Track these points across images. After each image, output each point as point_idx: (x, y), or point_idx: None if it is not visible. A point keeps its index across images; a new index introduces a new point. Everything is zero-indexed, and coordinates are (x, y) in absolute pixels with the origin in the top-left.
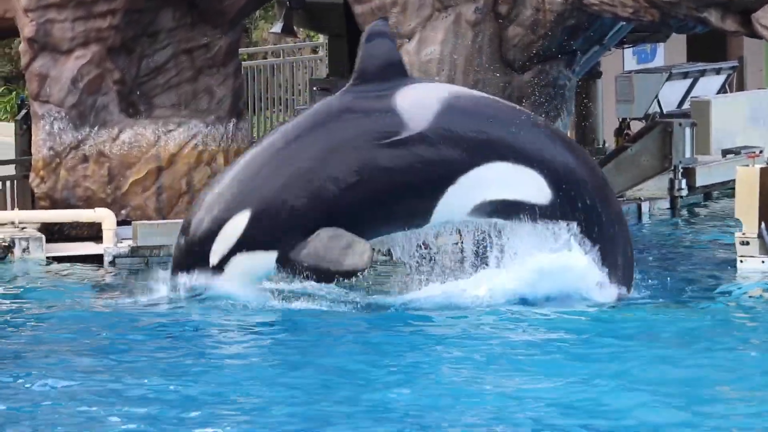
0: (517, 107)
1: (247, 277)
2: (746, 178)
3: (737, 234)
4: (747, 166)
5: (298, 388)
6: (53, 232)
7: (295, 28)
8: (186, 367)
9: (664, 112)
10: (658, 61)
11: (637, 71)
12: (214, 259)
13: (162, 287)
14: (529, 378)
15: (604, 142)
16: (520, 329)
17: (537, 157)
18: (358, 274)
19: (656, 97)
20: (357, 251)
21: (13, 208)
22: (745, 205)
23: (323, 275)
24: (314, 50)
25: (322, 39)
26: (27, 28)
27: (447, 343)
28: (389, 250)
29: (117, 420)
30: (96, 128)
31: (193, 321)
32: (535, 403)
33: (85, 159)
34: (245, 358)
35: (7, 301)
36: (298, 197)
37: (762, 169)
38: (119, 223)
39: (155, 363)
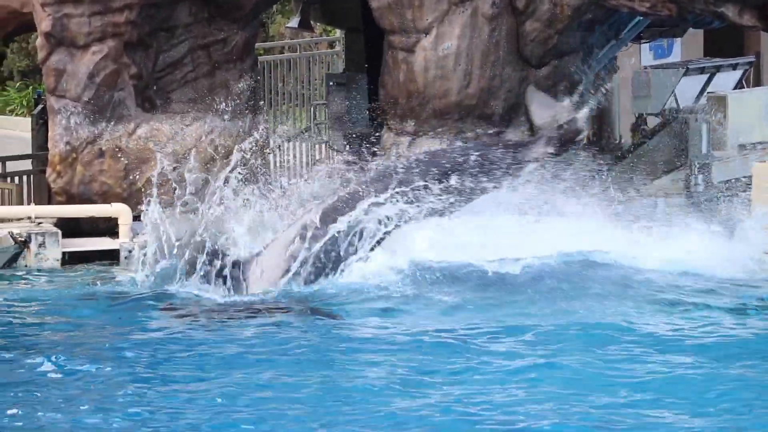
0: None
1: None
2: (763, 174)
3: None
4: (764, 161)
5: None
6: (69, 225)
7: (311, 22)
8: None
9: (681, 107)
10: (675, 56)
11: (654, 66)
12: None
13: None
14: (529, 385)
15: (621, 138)
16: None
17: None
18: None
19: (673, 92)
20: None
21: (29, 203)
22: (762, 200)
23: None
24: (331, 45)
25: (338, 34)
26: (44, 22)
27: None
28: None
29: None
30: (112, 123)
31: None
32: (533, 409)
33: (102, 154)
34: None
35: (21, 294)
36: None
37: None
38: (135, 218)
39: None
